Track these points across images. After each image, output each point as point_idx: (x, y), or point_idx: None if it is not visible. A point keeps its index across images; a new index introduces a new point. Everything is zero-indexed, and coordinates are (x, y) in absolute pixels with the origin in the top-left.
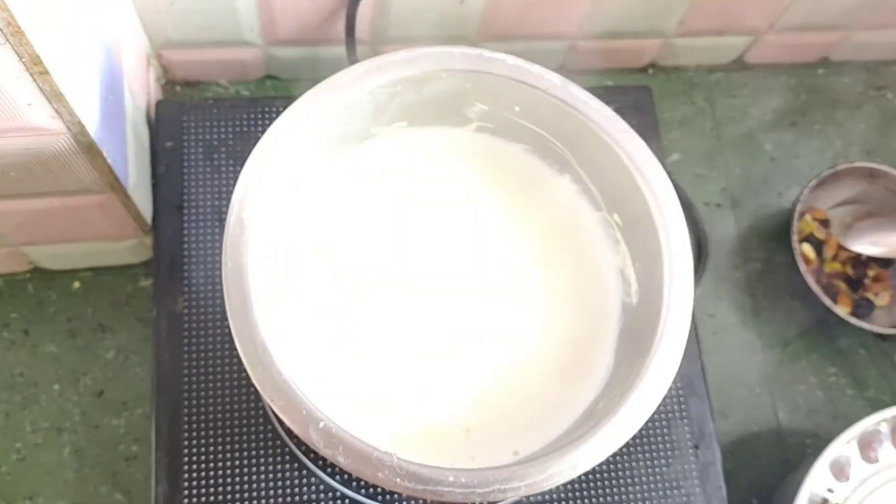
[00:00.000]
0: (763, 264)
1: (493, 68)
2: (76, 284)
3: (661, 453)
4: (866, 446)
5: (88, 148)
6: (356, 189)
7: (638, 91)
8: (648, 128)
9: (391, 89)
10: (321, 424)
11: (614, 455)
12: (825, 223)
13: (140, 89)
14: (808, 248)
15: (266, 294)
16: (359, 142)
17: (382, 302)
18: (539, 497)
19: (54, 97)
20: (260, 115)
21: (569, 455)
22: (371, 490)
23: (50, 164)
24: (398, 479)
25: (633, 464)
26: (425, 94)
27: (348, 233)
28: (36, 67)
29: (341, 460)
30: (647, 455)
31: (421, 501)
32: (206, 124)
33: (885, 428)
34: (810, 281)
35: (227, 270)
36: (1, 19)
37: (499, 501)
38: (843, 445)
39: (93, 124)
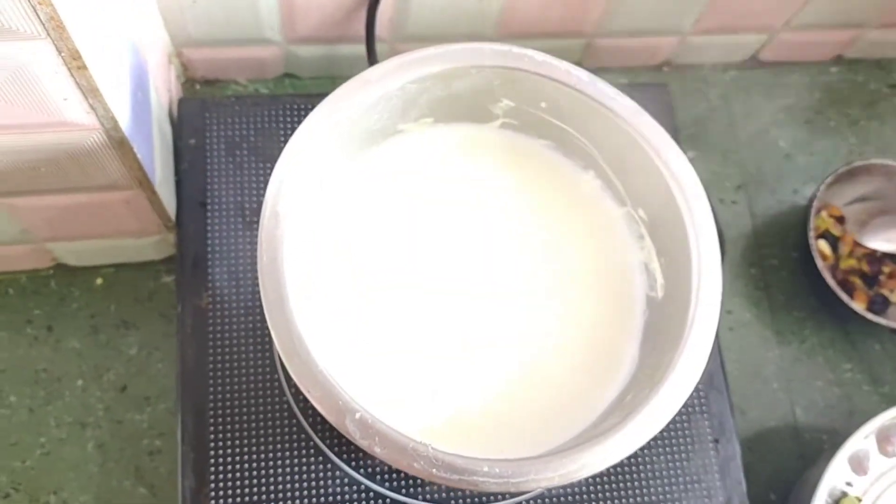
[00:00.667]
0: (779, 261)
1: (522, 64)
2: (98, 281)
3: (682, 447)
4: (884, 440)
5: (120, 144)
6: (378, 187)
7: (655, 89)
8: (666, 126)
9: (421, 85)
10: (357, 415)
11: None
12: (841, 220)
13: (163, 87)
14: (824, 245)
15: (295, 290)
16: (384, 138)
17: (414, 300)
18: (562, 490)
19: (90, 92)
20: (281, 113)
21: (601, 445)
22: (395, 483)
23: (81, 159)
24: (434, 470)
25: (655, 458)
26: (453, 90)
27: (368, 232)
28: (75, 62)
29: (378, 451)
30: (668, 450)
31: (445, 492)
32: (227, 121)
33: None
34: (826, 277)
35: (262, 264)
36: (43, 13)
37: (526, 492)
38: (861, 440)
39: (125, 120)
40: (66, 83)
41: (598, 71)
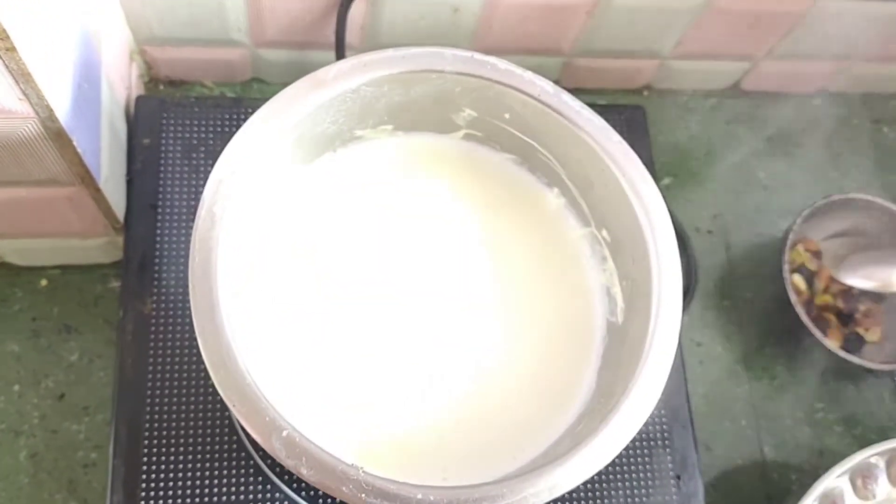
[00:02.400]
0: (753, 294)
1: (484, 72)
2: (43, 282)
3: (642, 482)
4: (860, 480)
5: (57, 135)
6: (336, 193)
7: (631, 110)
8: (641, 148)
9: (378, 89)
10: (284, 433)
11: (593, 481)
12: (817, 254)
13: (120, 83)
14: (799, 280)
15: (236, 295)
16: (342, 144)
17: (358, 309)
18: None
19: (21, 77)
20: (243, 116)
21: (546, 476)
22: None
23: (16, 150)
24: (363, 495)
25: (613, 492)
26: (413, 96)
27: (327, 237)
28: (2, 43)
29: (304, 472)
30: (627, 483)
31: None
32: (186, 123)
33: (880, 462)
34: (800, 313)
35: (193, 265)
36: None
37: None
38: (835, 479)
39: (63, 111)
40: None
41: (576, 91)
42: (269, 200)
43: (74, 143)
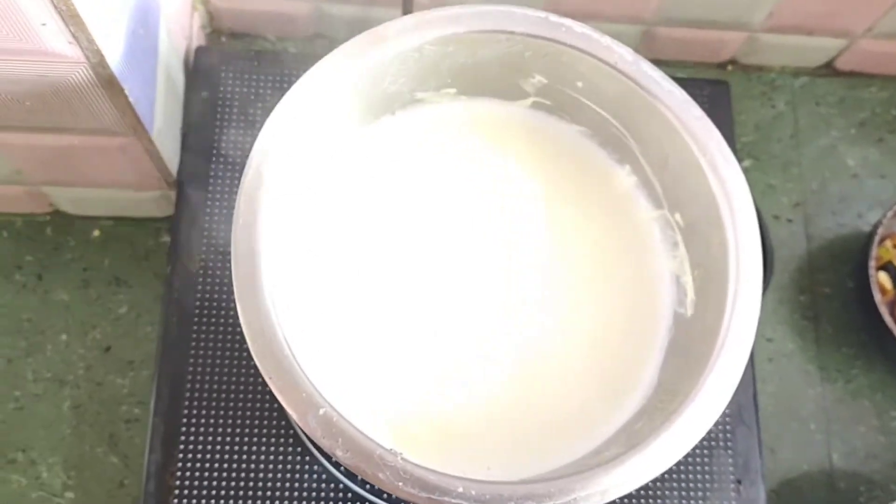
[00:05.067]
0: (832, 289)
1: (558, 35)
2: (96, 233)
3: (699, 485)
4: None
5: (109, 83)
6: (393, 158)
7: (713, 85)
8: (723, 127)
9: (442, 48)
10: (321, 411)
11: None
12: None
13: (180, 32)
14: (884, 278)
15: (280, 262)
16: (401, 106)
17: (407, 283)
18: None
19: (71, 19)
20: (303, 72)
21: (598, 478)
22: (376, 487)
23: (68, 96)
24: (400, 483)
25: (667, 493)
26: (479, 58)
27: (379, 204)
28: None
29: (339, 454)
30: (682, 486)
31: None
32: (244, 77)
33: None
34: (884, 313)
35: (237, 228)
36: None
37: None
38: None
39: (115, 57)
40: (44, 5)
41: (655, 63)
42: (322, 162)
43: (126, 91)
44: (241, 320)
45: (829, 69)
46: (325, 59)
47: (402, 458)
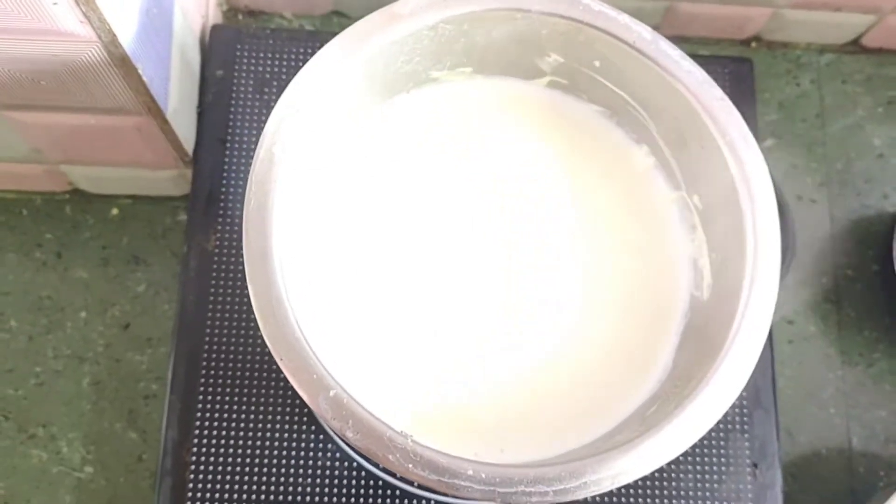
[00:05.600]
0: (855, 272)
1: (575, 13)
2: (114, 211)
3: (715, 468)
4: None
5: (122, 62)
6: (408, 138)
7: (736, 63)
8: (745, 106)
9: (457, 27)
10: (332, 392)
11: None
12: None
13: (195, 10)
14: None
15: (292, 242)
16: (416, 85)
17: (422, 264)
18: None
19: None
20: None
21: (610, 462)
22: None
23: (82, 75)
24: (410, 465)
25: (681, 475)
26: (495, 37)
27: (394, 184)
28: None
29: (350, 435)
30: (697, 468)
31: None
32: (261, 55)
33: None
34: None
35: (249, 209)
36: None
37: None
38: None
39: (127, 36)
40: None
41: (677, 40)
42: (336, 142)
43: (140, 70)
44: (253, 302)
45: (856, 46)
46: (338, 38)
47: (413, 441)
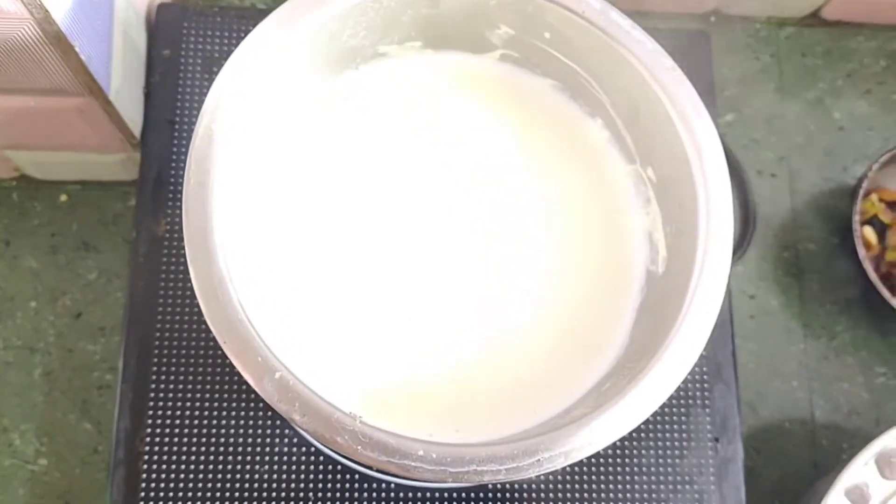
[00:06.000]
0: (816, 245)
1: None
2: (63, 197)
3: (676, 443)
4: None
5: (57, 39)
6: (356, 115)
7: (693, 36)
8: (702, 79)
9: None
10: (277, 375)
11: (621, 440)
12: (893, 206)
13: None
14: (869, 232)
15: (238, 223)
16: (364, 61)
17: (371, 243)
18: (528, 484)
19: None
20: None
21: (563, 439)
22: None
23: (17, 54)
24: (360, 447)
25: (643, 451)
26: (443, 9)
27: (341, 161)
28: None
29: (297, 418)
30: (658, 444)
31: None
32: (208, 34)
33: None
34: (868, 268)
35: (188, 188)
36: None
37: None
38: (892, 440)
39: (62, 13)
40: None
41: (637, 15)
42: (280, 120)
43: (77, 49)
44: (194, 284)
45: (815, 19)
46: (277, 11)
47: (361, 422)
